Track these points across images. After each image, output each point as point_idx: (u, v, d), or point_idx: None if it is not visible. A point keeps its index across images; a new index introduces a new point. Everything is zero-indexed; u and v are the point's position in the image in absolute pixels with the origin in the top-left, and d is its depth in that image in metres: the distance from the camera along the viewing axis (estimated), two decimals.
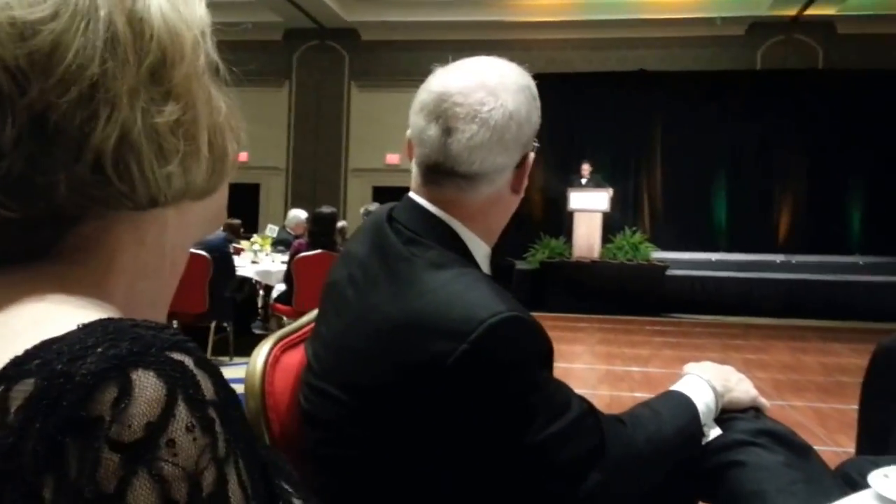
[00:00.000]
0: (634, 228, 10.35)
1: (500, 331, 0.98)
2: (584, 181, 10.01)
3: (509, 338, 0.99)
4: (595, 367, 6.02)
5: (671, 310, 9.40)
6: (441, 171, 1.10)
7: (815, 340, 7.67)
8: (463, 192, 1.11)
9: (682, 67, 11.64)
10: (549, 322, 8.24)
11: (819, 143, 11.26)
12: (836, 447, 3.66)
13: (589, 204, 9.70)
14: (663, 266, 9.74)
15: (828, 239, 11.28)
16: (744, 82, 11.58)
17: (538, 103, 1.15)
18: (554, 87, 11.20)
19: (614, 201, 9.86)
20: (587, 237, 9.74)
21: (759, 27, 11.62)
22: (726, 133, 11.42)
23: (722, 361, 1.39)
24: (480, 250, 1.15)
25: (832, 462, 1.50)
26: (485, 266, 1.15)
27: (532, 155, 1.16)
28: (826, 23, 11.34)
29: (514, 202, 1.19)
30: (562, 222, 10.13)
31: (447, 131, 1.08)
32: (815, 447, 1.32)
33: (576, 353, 6.63)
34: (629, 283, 9.42)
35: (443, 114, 1.08)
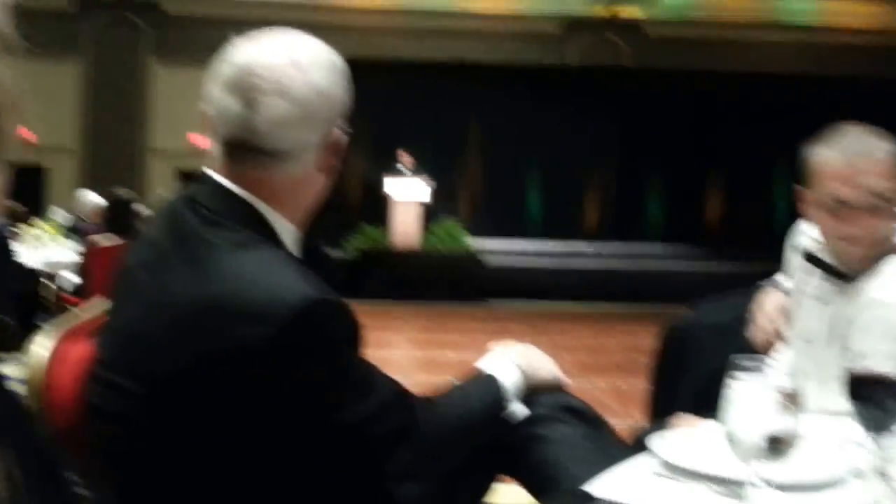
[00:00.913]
0: (453, 218, 10.63)
1: (309, 314, 0.99)
2: (404, 170, 10.11)
3: (318, 321, 1.00)
4: (412, 353, 6.14)
5: (487, 296, 9.71)
6: (244, 148, 1.08)
7: (617, 323, 8.25)
8: (268, 170, 1.09)
9: (500, 61, 12.03)
10: (368, 311, 8.24)
11: (626, 137, 12.15)
12: (632, 421, 3.99)
13: (409, 193, 9.83)
14: (479, 254, 10.06)
15: (631, 228, 12.17)
16: (559, 78, 12.11)
17: (347, 82, 1.14)
18: (374, 74, 11.20)
19: (434, 190, 10.04)
20: (406, 226, 9.84)
21: (575, 26, 12.29)
22: (542, 125, 11.94)
23: (533, 344, 1.46)
24: (288, 233, 1.14)
25: (628, 434, 1.65)
26: (294, 249, 1.15)
27: (341, 135, 1.16)
28: (635, 25, 12.22)
29: (322, 183, 1.18)
30: (381, 211, 10.14)
31: (250, 105, 1.05)
32: (614, 421, 1.45)
33: (394, 342, 6.70)
34: (448, 271, 9.68)
35: (246, 87, 1.06)
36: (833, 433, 1.14)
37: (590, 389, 4.90)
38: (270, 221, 1.11)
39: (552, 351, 1.53)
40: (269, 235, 1.10)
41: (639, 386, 4.93)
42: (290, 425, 1.02)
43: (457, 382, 1.28)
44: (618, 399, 4.69)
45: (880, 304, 1.47)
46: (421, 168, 10.17)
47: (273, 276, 1.02)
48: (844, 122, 1.55)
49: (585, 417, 1.37)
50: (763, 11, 11.78)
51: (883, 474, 0.87)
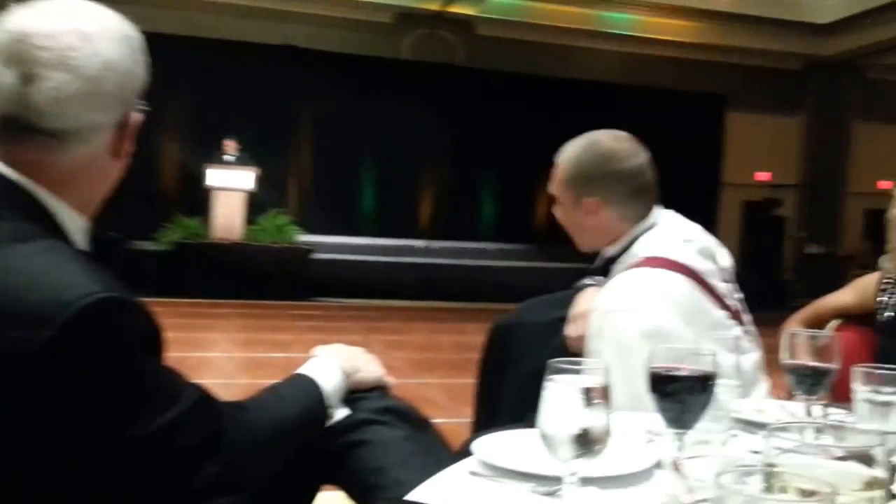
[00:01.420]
0: (281, 210, 10.37)
1: (93, 314, 0.89)
2: (228, 158, 9.65)
3: (104, 321, 0.91)
4: (234, 354, 5.92)
5: (317, 294, 9.58)
6: (19, 127, 0.98)
7: (449, 321, 8.40)
8: (49, 152, 0.99)
9: (331, 48, 11.91)
10: (185, 308, 7.93)
11: (459, 135, 12.36)
12: (463, 418, 4.06)
13: (232, 182, 9.46)
14: (309, 249, 9.92)
15: (464, 226, 12.43)
16: (391, 70, 12.14)
17: (143, 57, 1.07)
18: (196, 53, 10.76)
19: (260, 181, 9.72)
20: (228, 217, 9.43)
21: (407, 18, 12.35)
22: (375, 119, 11.90)
23: (364, 344, 1.44)
24: (74, 223, 1.04)
25: (458, 430, 1.66)
26: (82, 242, 1.06)
27: (136, 115, 1.08)
28: (467, 22, 12.47)
29: (114, 168, 1.09)
30: (201, 201, 9.62)
31: (27, 79, 0.96)
32: (445, 419, 1.45)
33: (213, 341, 6.43)
34: (273, 266, 9.41)
35: (21, 58, 0.96)
36: (639, 427, 1.19)
37: (421, 388, 4.96)
38: (52, 211, 1.01)
39: (384, 349, 1.51)
40: (50, 227, 1.00)
41: (470, 383, 5.03)
42: (78, 440, 0.92)
43: (274, 385, 1.23)
44: (449, 397, 4.76)
45: (604, 317, 1.64)
46: (246, 156, 9.78)
47: (53, 273, 0.92)
48: (643, 130, 1.81)
49: (410, 419, 1.36)
50: (586, 19, 12.39)
51: (678, 469, 0.91)
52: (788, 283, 12.18)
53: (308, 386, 1.24)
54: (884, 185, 12.50)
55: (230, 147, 9.72)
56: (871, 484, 0.61)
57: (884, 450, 0.63)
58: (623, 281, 1.69)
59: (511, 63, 12.25)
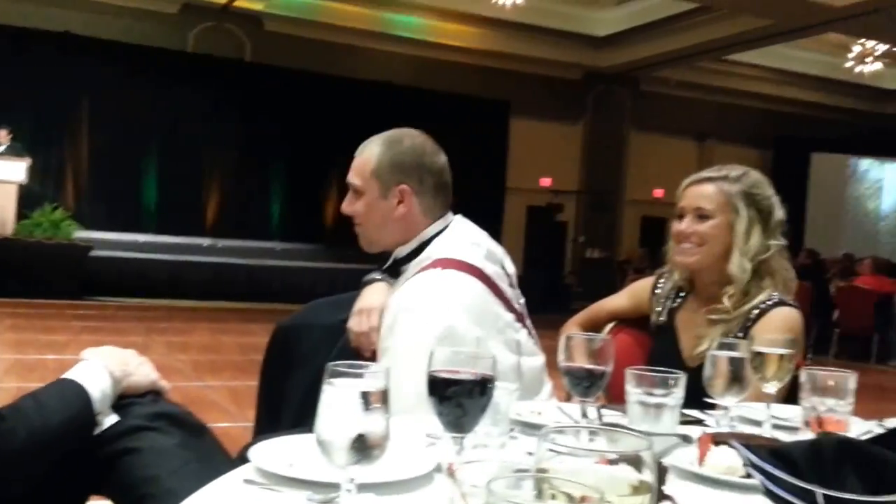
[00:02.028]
0: (56, 204, 10.03)
1: None
2: None
3: None
4: (3, 357, 5.44)
5: (95, 293, 9.23)
6: None
7: (235, 322, 8.23)
8: None
9: (113, 37, 11.55)
10: None
11: (247, 132, 12.43)
12: (247, 422, 3.94)
13: (2, 174, 9.10)
14: (87, 246, 9.54)
15: (252, 225, 12.19)
16: (176, 62, 11.91)
17: None
18: None
19: (33, 173, 9.48)
20: None
21: (192, 9, 11.99)
22: (158, 113, 11.77)
23: (145, 345, 1.37)
24: None
25: (243, 434, 1.59)
26: None
27: None
28: (254, 17, 12.22)
29: None
30: None
31: None
32: (229, 423, 1.38)
33: None
34: (47, 263, 9.11)
35: None
36: (420, 431, 1.19)
37: (205, 390, 4.85)
38: None
39: (166, 351, 1.44)
40: None
41: (253, 385, 4.94)
42: None
43: (35, 391, 1.12)
44: (233, 400, 4.67)
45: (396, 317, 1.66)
46: (19, 146, 9.45)
47: None
48: (431, 133, 1.88)
49: (185, 424, 1.30)
50: (375, 21, 12.54)
51: (452, 474, 0.91)
52: (569, 287, 12.99)
53: (73, 391, 1.21)
54: (658, 193, 13.71)
55: (4, 136, 9.40)
56: (637, 488, 0.63)
57: (651, 453, 0.65)
58: (417, 282, 1.71)
59: (300, 61, 12.23)
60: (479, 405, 0.95)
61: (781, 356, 1.43)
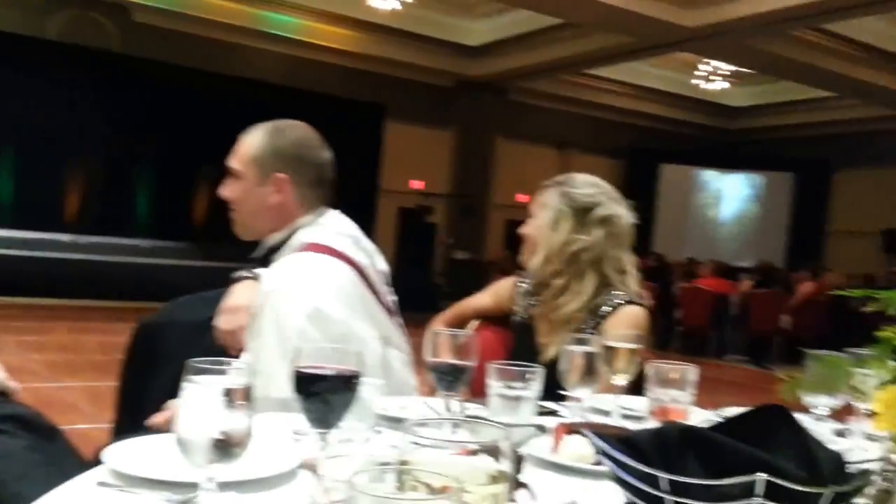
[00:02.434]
0: None
1: None
2: None
3: None
4: None
5: None
6: None
7: (98, 320, 7.81)
8: None
9: None
10: None
11: (114, 125, 11.75)
12: (106, 424, 3.74)
13: None
14: None
15: (117, 221, 11.60)
16: (37, 50, 11.06)
17: None
18: None
19: None
20: None
21: None
22: (16, 103, 10.85)
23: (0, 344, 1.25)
24: None
25: (101, 436, 1.49)
26: None
27: None
28: (122, 6, 11.60)
29: None
30: None
31: None
32: (87, 425, 1.30)
33: None
34: None
35: None
36: (286, 427, 1.16)
37: (61, 391, 4.56)
38: None
39: (19, 351, 1.35)
40: None
41: (115, 386, 4.71)
42: None
43: None
44: (92, 401, 4.44)
45: (266, 296, 1.63)
46: None
47: None
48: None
49: (35, 427, 1.22)
50: (252, 18, 12.24)
51: (316, 470, 0.90)
52: (438, 286, 13.10)
53: None
54: (522, 198, 14.04)
55: None
56: (495, 478, 0.64)
57: (509, 443, 0.66)
58: (286, 263, 1.70)
59: (172, 54, 11.74)
60: (345, 401, 0.93)
61: (629, 350, 1.50)
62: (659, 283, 11.13)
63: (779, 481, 0.71)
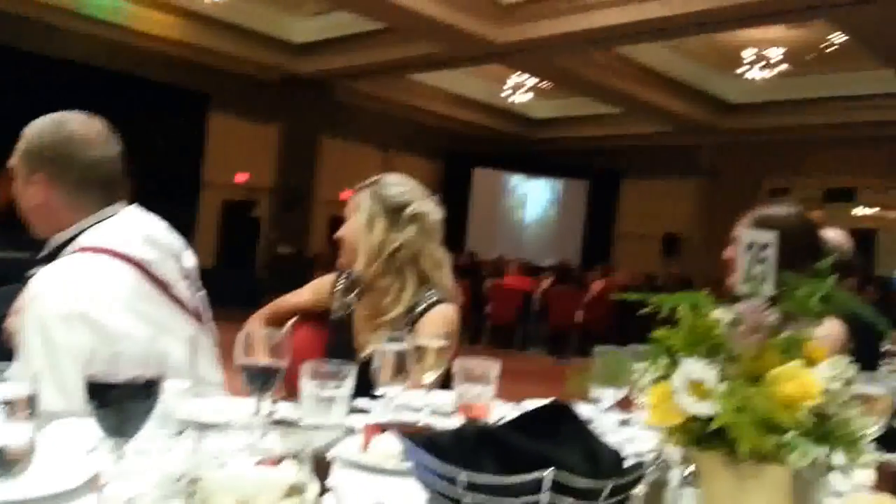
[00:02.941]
0: None
1: None
2: None
3: None
4: None
5: None
6: None
7: None
8: None
9: None
10: None
11: None
12: None
13: None
14: None
15: None
16: None
17: None
18: None
19: None
20: None
21: None
22: None
23: None
24: None
25: None
26: None
27: None
28: None
29: None
30: None
31: None
32: None
33: None
34: None
35: None
36: (75, 440, 1.05)
37: None
38: None
39: None
40: None
41: None
42: None
43: None
44: None
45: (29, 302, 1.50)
46: None
47: None
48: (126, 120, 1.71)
49: None
50: None
51: (99, 488, 0.81)
52: (262, 281, 12.74)
53: None
54: (345, 195, 13.92)
55: None
56: (290, 491, 0.60)
57: (309, 452, 0.63)
58: (53, 267, 1.56)
59: None
60: (144, 408, 0.85)
61: (438, 349, 1.52)
62: (471, 280, 11.48)
63: (565, 476, 0.73)
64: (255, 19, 12.87)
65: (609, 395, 1.51)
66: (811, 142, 13.82)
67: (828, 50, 11.27)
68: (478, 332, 11.17)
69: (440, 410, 1.54)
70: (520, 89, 14.16)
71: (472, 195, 16.76)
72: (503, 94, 14.64)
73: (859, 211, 13.74)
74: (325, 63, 13.50)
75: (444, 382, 1.65)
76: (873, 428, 1.39)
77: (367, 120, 15.34)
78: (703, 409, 0.91)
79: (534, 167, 17.64)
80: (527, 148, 17.82)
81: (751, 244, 1.22)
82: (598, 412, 1.53)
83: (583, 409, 1.61)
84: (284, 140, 14.59)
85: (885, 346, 4.09)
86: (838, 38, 10.35)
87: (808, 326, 2.06)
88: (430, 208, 2.08)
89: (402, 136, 15.78)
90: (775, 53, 11.06)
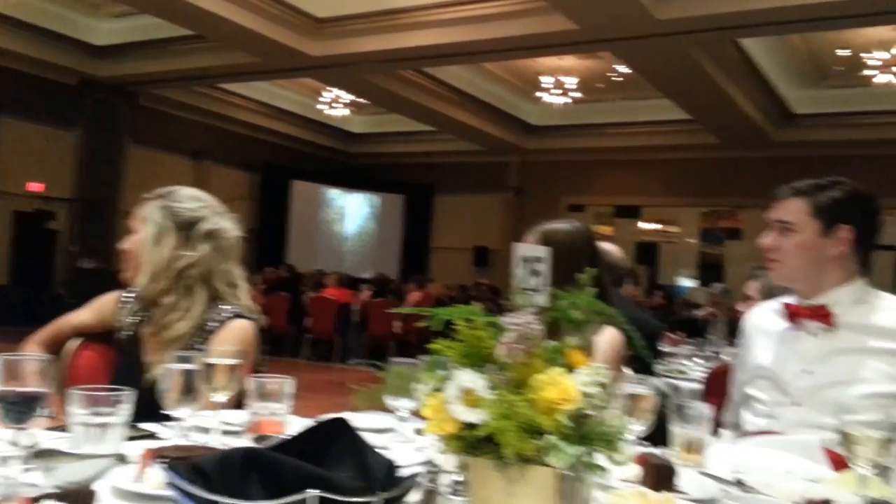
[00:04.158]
0: None
1: None
2: None
3: None
4: None
5: None
6: None
7: None
8: None
9: None
10: None
11: None
12: None
13: None
14: None
15: None
16: None
17: None
18: None
19: None
20: None
21: None
22: None
23: None
24: None
25: None
26: None
27: None
28: None
29: None
30: None
31: None
32: None
33: None
34: None
35: None
36: None
37: None
38: None
39: None
40: None
41: None
42: None
43: None
44: None
45: None
46: None
47: None
48: None
49: None
50: None
51: None
52: (61, 297, 11.66)
53: None
54: None
55: None
56: None
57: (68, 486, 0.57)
58: None
59: None
60: None
61: (230, 367, 1.45)
62: (291, 294, 11.24)
63: (329, 495, 0.72)
64: (51, 18, 11.84)
65: (404, 405, 1.53)
66: (602, 162, 14.96)
67: (614, 79, 12.28)
68: (298, 345, 10.95)
69: (232, 430, 1.47)
70: (336, 103, 14.12)
71: (291, 208, 16.44)
72: (320, 108, 14.51)
73: (644, 226, 15.03)
74: (129, 67, 12.66)
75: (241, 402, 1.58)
76: (641, 426, 1.51)
77: (178, 128, 14.56)
78: (474, 416, 0.94)
79: (352, 181, 17.65)
80: (345, 162, 17.78)
81: (525, 258, 1.29)
82: (397, 421, 1.55)
83: (383, 419, 1.63)
84: (84, 147, 13.48)
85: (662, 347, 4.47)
86: (623, 69, 11.30)
87: (586, 335, 2.20)
88: (227, 225, 2.00)
89: (217, 147, 15.14)
90: (569, 81, 11.85)
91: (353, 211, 17.62)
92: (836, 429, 1.26)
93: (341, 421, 0.87)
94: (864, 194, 1.90)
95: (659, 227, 14.90)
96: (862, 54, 9.93)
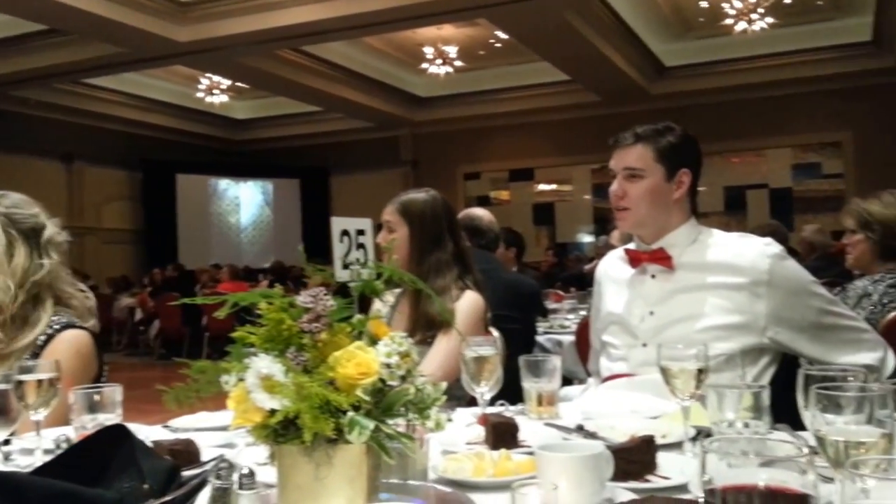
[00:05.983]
0: None
1: None
2: None
3: None
4: None
5: None
6: None
7: None
8: None
9: None
10: None
11: None
12: None
13: None
14: None
15: None
16: None
17: None
18: None
19: None
20: None
21: None
22: None
23: None
24: None
25: None
26: None
27: None
28: None
29: None
30: None
31: None
32: None
33: None
34: None
35: None
36: None
37: None
38: None
39: None
40: None
41: None
42: None
43: None
44: None
45: None
46: None
47: None
48: None
49: None
50: None
51: None
52: None
53: None
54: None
55: None
56: None
57: None
58: None
59: None
60: None
61: (39, 381, 1.36)
62: (182, 293, 10.86)
63: None
64: None
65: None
66: (493, 129, 15.08)
67: (495, 45, 12.36)
68: (197, 344, 10.62)
69: (58, 449, 1.39)
70: (215, 90, 13.62)
71: (178, 204, 15.83)
72: (197, 96, 13.98)
73: (539, 188, 15.30)
74: None
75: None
76: (484, 387, 1.52)
77: (43, 131, 13.72)
78: (273, 403, 0.91)
79: (242, 169, 17.15)
80: (233, 150, 17.24)
81: (345, 231, 1.26)
82: None
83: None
84: None
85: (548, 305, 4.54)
86: (502, 34, 11.38)
87: (444, 301, 2.19)
88: (59, 229, 1.93)
89: (89, 147, 14.37)
90: (451, 50, 11.84)
91: (246, 200, 17.14)
92: (657, 364, 1.30)
93: (121, 427, 0.82)
94: (692, 138, 1.98)
95: (554, 187, 15.19)
96: (723, 4, 10.35)
